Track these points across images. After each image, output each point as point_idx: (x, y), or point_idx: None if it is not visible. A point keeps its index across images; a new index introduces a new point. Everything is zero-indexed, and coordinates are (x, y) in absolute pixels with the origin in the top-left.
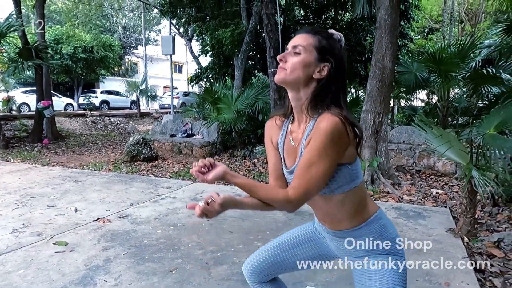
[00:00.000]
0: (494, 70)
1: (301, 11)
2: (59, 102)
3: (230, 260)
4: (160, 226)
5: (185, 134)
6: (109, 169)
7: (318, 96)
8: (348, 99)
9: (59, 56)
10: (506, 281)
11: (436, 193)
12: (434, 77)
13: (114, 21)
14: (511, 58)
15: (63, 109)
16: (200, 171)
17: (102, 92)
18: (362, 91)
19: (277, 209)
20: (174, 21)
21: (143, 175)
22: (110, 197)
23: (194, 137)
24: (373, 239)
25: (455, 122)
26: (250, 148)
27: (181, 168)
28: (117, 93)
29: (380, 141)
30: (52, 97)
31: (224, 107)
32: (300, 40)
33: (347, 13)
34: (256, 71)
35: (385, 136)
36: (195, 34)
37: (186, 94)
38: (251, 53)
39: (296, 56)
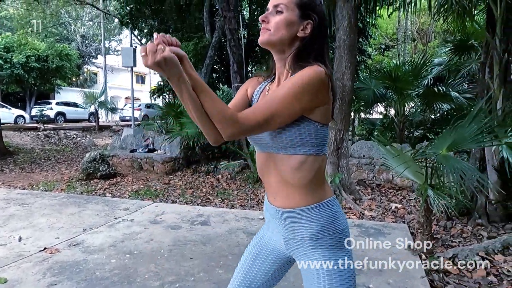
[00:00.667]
0: (444, 88)
1: None
2: (9, 114)
3: None
4: (115, 254)
5: (146, 149)
6: (62, 189)
7: (302, 52)
8: None
9: (10, 65)
10: None
11: (395, 207)
12: (390, 94)
13: (72, 30)
14: (459, 76)
15: (13, 122)
16: (163, 41)
17: (57, 104)
18: None
19: (212, 131)
20: (136, 32)
21: (99, 195)
22: (61, 222)
23: (156, 152)
24: (322, 225)
25: (411, 135)
26: (214, 163)
27: (141, 186)
28: (74, 105)
29: (342, 157)
30: (0, 109)
31: (187, 121)
32: None
33: None
34: (220, 84)
35: (346, 152)
36: None
37: (148, 106)
38: (215, 66)
39: (278, 15)
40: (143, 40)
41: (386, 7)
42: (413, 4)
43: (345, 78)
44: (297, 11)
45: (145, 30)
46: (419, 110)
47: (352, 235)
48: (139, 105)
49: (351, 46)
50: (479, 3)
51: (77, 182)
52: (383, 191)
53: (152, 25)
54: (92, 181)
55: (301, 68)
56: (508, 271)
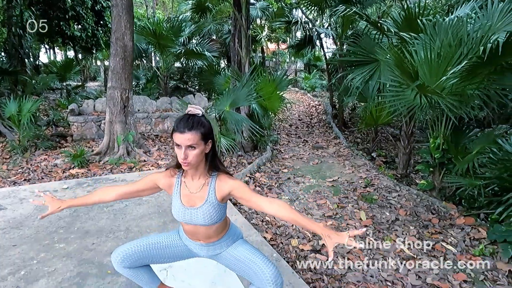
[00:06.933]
0: (200, 49)
1: None
2: None
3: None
4: None
5: None
6: None
7: (211, 162)
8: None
9: None
10: None
11: None
12: (152, 49)
13: None
14: (201, 35)
15: None
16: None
17: None
18: (68, 52)
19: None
20: None
21: None
22: None
23: None
24: (233, 239)
25: (171, 85)
26: None
27: None
28: None
29: (128, 115)
30: None
31: None
32: (190, 138)
33: None
34: None
35: (132, 109)
36: None
37: None
38: None
39: (193, 150)
40: None
41: None
42: None
43: (125, 38)
44: (203, 142)
45: None
46: (174, 64)
47: None
48: None
49: (129, 6)
50: None
51: None
52: (163, 141)
53: None
54: None
55: (214, 168)
56: (264, 182)
